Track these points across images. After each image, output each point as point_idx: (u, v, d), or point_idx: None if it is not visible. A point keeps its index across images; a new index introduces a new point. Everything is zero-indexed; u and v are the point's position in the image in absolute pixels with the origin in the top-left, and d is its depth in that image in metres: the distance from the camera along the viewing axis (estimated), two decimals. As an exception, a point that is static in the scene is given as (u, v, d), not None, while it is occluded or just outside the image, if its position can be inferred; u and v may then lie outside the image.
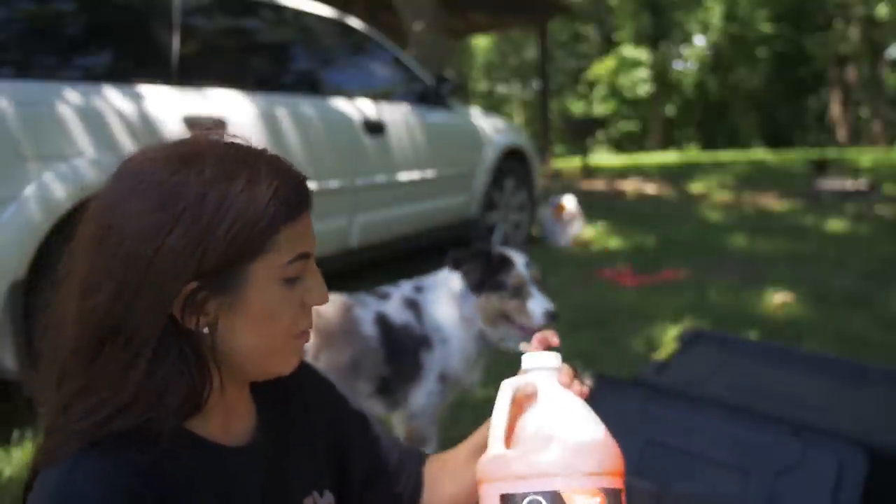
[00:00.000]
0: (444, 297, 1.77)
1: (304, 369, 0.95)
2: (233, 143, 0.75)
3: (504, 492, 0.68)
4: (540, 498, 0.65)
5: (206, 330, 0.71)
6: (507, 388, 0.75)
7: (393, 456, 0.98)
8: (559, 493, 0.65)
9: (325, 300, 0.78)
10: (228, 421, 0.80)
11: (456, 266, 1.74)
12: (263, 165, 0.73)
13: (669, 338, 3.04)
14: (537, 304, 1.70)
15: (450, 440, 2.11)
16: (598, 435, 0.70)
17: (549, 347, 0.92)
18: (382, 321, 1.75)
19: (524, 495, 0.66)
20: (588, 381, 2.03)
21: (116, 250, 0.68)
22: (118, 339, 0.69)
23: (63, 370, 0.72)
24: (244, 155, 0.73)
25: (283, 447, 0.86)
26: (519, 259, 1.74)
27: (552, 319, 1.69)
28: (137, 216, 0.68)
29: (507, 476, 0.68)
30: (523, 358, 0.79)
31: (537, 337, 0.94)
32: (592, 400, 0.81)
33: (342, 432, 0.96)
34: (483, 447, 0.75)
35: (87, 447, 0.68)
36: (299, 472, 0.87)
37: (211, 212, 0.68)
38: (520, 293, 1.70)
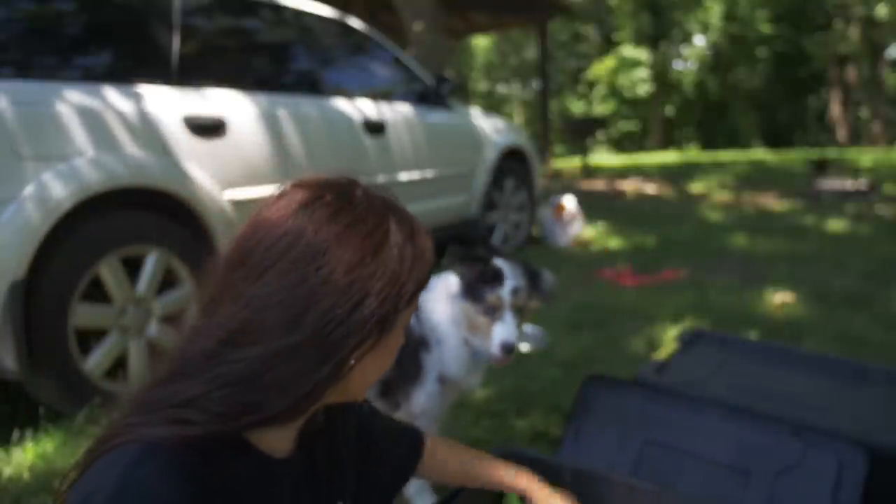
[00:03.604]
0: (442, 296, 1.75)
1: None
2: (384, 196, 0.83)
3: None
4: None
5: (352, 361, 0.77)
6: None
7: (390, 449, 1.08)
8: None
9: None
10: (286, 436, 0.85)
11: (453, 264, 1.72)
12: (414, 222, 0.82)
13: (669, 338, 3.04)
14: (500, 332, 1.64)
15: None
16: None
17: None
18: None
19: None
20: None
21: (321, 286, 0.74)
22: (280, 355, 0.74)
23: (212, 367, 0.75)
24: (401, 211, 0.82)
25: (316, 459, 0.93)
26: (509, 281, 1.66)
27: (507, 352, 1.65)
28: (349, 262, 0.74)
29: None
30: None
31: None
32: (593, 400, 0.84)
33: (365, 438, 1.04)
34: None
35: (157, 443, 0.71)
36: (328, 483, 0.94)
37: (406, 268, 0.77)
38: (493, 314, 1.66)
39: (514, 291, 1.66)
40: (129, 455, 0.70)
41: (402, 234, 0.78)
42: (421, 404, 1.75)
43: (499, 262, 1.70)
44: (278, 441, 0.84)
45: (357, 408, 1.04)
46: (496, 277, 1.67)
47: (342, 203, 0.77)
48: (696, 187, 9.29)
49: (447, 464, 1.17)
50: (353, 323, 0.74)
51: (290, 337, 0.73)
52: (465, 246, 1.74)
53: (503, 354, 1.64)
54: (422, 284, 0.79)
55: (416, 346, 1.74)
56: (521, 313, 1.69)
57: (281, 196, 0.80)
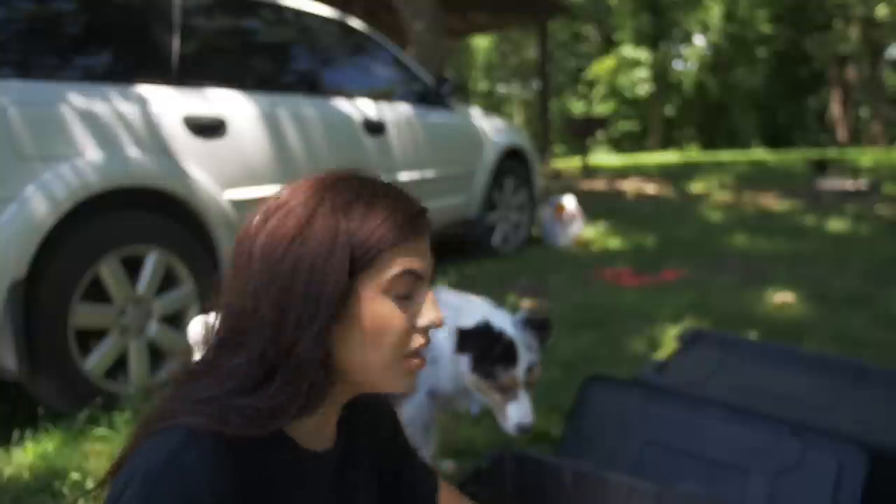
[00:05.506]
0: (449, 323, 1.66)
1: (380, 402, 1.05)
2: (358, 178, 0.84)
3: None
4: None
5: (335, 337, 0.79)
6: None
7: (421, 483, 1.08)
8: None
9: (437, 321, 0.83)
10: (319, 428, 0.87)
11: (461, 347, 1.63)
12: (381, 198, 0.81)
13: (669, 338, 3.04)
14: (516, 413, 1.58)
15: (450, 442, 2.11)
16: None
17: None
18: None
19: None
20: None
21: (275, 273, 0.77)
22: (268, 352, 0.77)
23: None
24: (364, 189, 0.82)
25: (351, 461, 0.94)
26: (524, 358, 1.59)
27: (524, 433, 1.60)
28: (281, 247, 0.77)
29: None
30: None
31: None
32: (593, 400, 0.84)
33: (397, 458, 1.05)
34: None
35: (200, 430, 0.74)
36: (362, 487, 0.96)
37: (327, 243, 0.77)
38: (507, 391, 1.60)
39: (530, 369, 1.59)
40: (174, 439, 0.74)
41: (366, 198, 0.80)
42: (409, 414, 1.74)
43: (509, 332, 1.61)
44: (313, 433, 0.86)
45: (392, 421, 1.07)
46: (509, 355, 1.58)
47: (315, 183, 0.82)
48: (696, 187, 9.29)
49: None
50: (326, 282, 0.76)
51: (282, 312, 0.76)
52: (470, 331, 1.63)
53: (518, 434, 1.59)
54: (386, 241, 0.79)
55: None
56: (534, 385, 1.62)
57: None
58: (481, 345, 1.60)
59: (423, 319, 0.83)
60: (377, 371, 0.82)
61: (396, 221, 0.79)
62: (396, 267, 0.79)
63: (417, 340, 0.83)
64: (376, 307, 0.79)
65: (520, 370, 1.58)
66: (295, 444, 0.84)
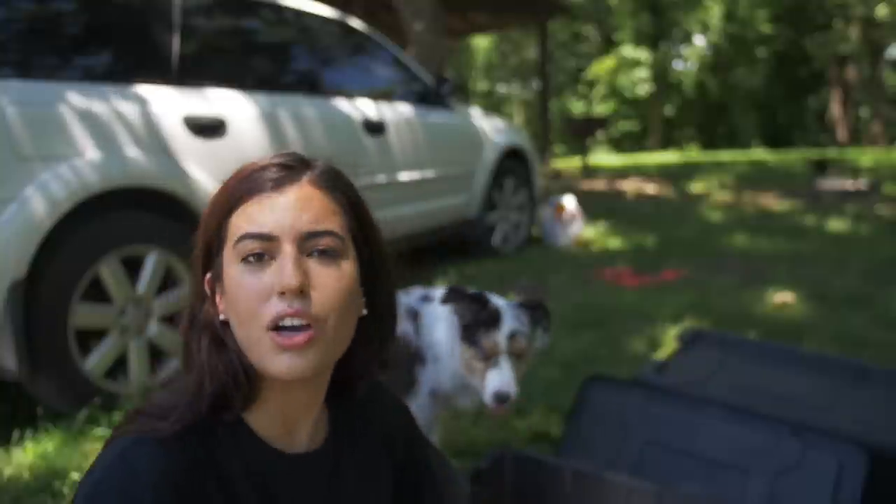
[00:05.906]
0: (445, 316, 1.68)
1: (390, 398, 1.01)
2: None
3: None
4: None
5: (222, 317, 0.80)
6: None
7: (441, 482, 1.03)
8: None
9: (284, 282, 0.74)
10: (291, 426, 0.84)
11: (447, 298, 1.62)
12: (241, 169, 0.84)
13: (669, 338, 3.04)
14: (493, 380, 1.54)
15: (450, 442, 2.11)
16: None
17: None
18: None
19: None
20: None
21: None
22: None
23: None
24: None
25: (350, 465, 0.89)
26: (507, 324, 1.56)
27: (501, 402, 1.55)
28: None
29: None
30: None
31: None
32: (593, 400, 0.82)
33: (412, 455, 1.00)
34: None
35: (144, 434, 0.75)
36: (366, 488, 0.90)
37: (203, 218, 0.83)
38: (489, 359, 1.57)
39: (512, 336, 1.56)
40: (122, 444, 0.74)
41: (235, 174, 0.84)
42: None
43: (499, 303, 1.61)
44: (285, 433, 0.83)
45: (406, 419, 1.02)
46: (493, 320, 1.57)
47: None
48: (696, 187, 9.29)
49: None
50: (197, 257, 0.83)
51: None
52: (460, 289, 1.63)
53: (496, 404, 1.55)
54: (224, 210, 0.80)
55: (410, 359, 1.71)
56: (521, 359, 1.60)
57: None
58: (469, 308, 1.59)
59: (275, 283, 0.74)
60: (249, 347, 0.76)
61: (232, 186, 0.81)
62: (236, 232, 0.77)
63: (271, 307, 0.74)
64: (230, 273, 0.77)
65: (501, 335, 1.56)
66: (262, 446, 0.81)
